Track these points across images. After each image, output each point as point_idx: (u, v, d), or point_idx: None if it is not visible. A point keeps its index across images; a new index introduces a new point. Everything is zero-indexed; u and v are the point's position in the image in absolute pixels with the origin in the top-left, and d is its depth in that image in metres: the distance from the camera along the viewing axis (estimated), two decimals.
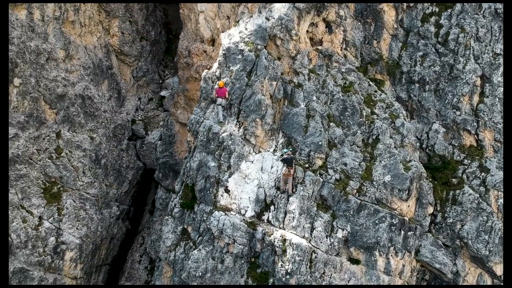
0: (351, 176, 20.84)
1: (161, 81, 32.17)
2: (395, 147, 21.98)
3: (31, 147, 20.64)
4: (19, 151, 20.03)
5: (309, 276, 18.97)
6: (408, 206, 21.71)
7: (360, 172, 20.94)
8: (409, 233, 21.21)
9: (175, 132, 27.17)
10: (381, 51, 24.69)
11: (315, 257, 19.23)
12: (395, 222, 20.72)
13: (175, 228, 21.39)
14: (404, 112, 23.22)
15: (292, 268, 18.81)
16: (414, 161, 22.05)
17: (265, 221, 20.39)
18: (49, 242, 20.31)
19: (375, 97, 23.36)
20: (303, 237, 19.50)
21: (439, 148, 23.30)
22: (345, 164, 20.95)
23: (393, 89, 24.53)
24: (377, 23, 24.65)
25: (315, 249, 19.44)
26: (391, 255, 20.78)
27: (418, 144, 23.11)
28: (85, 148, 23.27)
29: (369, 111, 22.67)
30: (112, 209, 25.87)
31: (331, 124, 21.68)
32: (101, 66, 26.57)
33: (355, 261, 20.35)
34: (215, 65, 23.09)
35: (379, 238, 20.37)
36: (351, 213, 20.34)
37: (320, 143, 20.80)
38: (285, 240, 19.25)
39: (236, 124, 21.68)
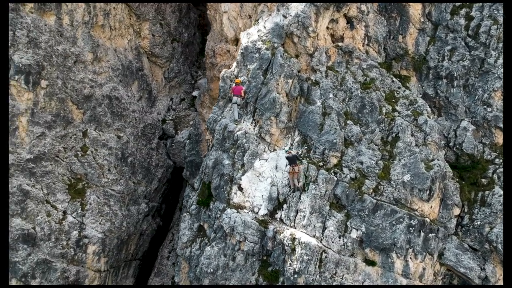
0: (367, 175, 20.24)
1: (193, 82, 32.83)
2: (416, 145, 21.11)
3: (58, 145, 21.77)
4: (46, 149, 21.20)
5: (318, 276, 18.61)
6: (431, 207, 20.76)
7: (377, 171, 20.29)
8: (430, 235, 20.28)
9: (201, 131, 27.60)
10: (407, 46, 23.83)
11: (325, 257, 18.83)
12: (413, 223, 19.88)
13: (191, 225, 21.73)
14: (428, 109, 22.23)
15: (300, 267, 18.54)
16: (438, 160, 21.07)
17: (278, 219, 20.25)
18: (72, 236, 21.35)
19: (398, 93, 22.55)
20: (314, 236, 19.17)
21: (468, 147, 22.10)
22: (361, 163, 20.38)
23: (419, 85, 23.57)
24: (402, 18, 23.81)
25: (326, 248, 19.04)
26: (410, 258, 19.95)
27: (443, 142, 22.04)
28: (111, 146, 24.21)
29: (390, 108, 21.92)
30: (140, 206, 26.70)
31: (348, 122, 21.16)
32: (131, 68, 27.51)
33: (370, 263, 19.73)
34: (234, 64, 23.25)
35: (396, 240, 19.63)
36: (366, 213, 19.74)
37: (335, 141, 20.37)
38: (294, 238, 19.02)
39: (251, 123, 21.71)
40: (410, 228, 19.83)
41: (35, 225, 20.30)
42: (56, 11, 22.67)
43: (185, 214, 22.22)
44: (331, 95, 21.36)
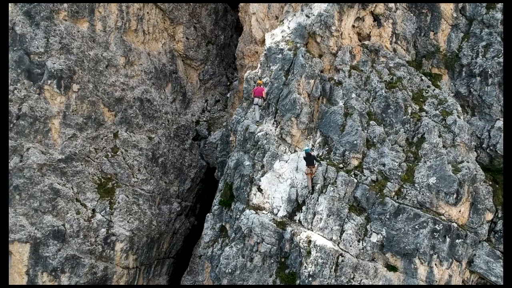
0: (389, 177, 19.57)
1: (228, 83, 33.18)
2: (444, 146, 20.16)
3: (88, 146, 22.76)
4: (76, 149, 22.24)
5: (333, 280, 18.22)
6: (459, 211, 19.78)
7: (399, 173, 19.57)
8: (457, 241, 19.30)
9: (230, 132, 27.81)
10: (438, 43, 22.81)
11: (342, 261, 18.39)
12: (438, 228, 18.99)
13: (214, 225, 21.97)
14: (459, 109, 21.16)
15: (315, 270, 18.23)
16: (468, 162, 20.02)
17: (297, 221, 20.03)
18: (100, 233, 22.24)
19: (427, 92, 21.65)
20: (331, 239, 18.78)
21: (503, 148, 20.82)
22: (384, 165, 19.73)
23: (451, 84, 22.50)
24: (433, 13, 22.84)
25: (343, 252, 18.60)
26: (435, 264, 19.09)
27: (474, 143, 20.91)
28: (141, 147, 24.98)
29: (417, 108, 21.08)
30: (172, 205, 27.34)
31: (371, 122, 20.57)
32: (164, 71, 28.24)
33: (391, 268, 19.07)
34: (258, 65, 23.27)
35: (418, 245, 18.84)
36: (387, 216, 19.09)
37: (356, 142, 19.86)
38: (310, 241, 18.74)
39: (273, 124, 21.63)
40: (435, 233, 18.97)
41: (65, 222, 21.36)
42: (89, 17, 23.71)
43: (208, 214, 22.50)
44: (353, 95, 20.85)
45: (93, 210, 22.40)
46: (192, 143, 29.44)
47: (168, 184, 27.23)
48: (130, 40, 26.11)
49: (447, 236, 19.14)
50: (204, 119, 30.83)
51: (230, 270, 20.15)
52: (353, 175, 19.66)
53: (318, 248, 18.37)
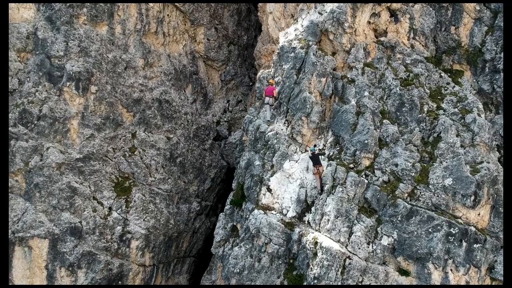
0: (401, 178, 18.86)
1: (251, 84, 33.10)
2: (462, 146, 19.22)
3: (106, 146, 23.31)
4: (94, 149, 22.83)
5: (340, 283, 17.72)
6: (479, 214, 18.80)
7: (413, 174, 18.81)
8: (475, 245, 18.35)
9: None
10: (460, 38, 21.80)
11: (349, 264, 17.87)
12: (454, 232, 18.12)
13: (225, 225, 21.95)
14: (480, 106, 20.12)
15: (320, 272, 17.81)
16: (488, 162, 19.00)
17: (306, 222, 19.68)
18: (116, 231, 22.70)
19: (446, 90, 20.72)
20: (338, 241, 18.29)
21: None
22: (396, 165, 19.04)
23: (474, 81, 21.43)
24: (455, 7, 21.86)
25: (351, 255, 18.06)
26: (450, 269, 18.22)
27: (496, 143, 19.80)
28: (159, 147, 25.32)
29: (435, 106, 20.21)
30: (192, 205, 27.56)
31: (385, 121, 19.90)
32: (185, 72, 28.51)
33: (404, 272, 18.35)
34: (272, 64, 23.08)
35: (432, 249, 18.05)
36: (399, 219, 18.40)
37: (367, 141, 19.26)
38: (316, 242, 18.34)
39: (284, 123, 21.37)
40: (449, 237, 18.11)
41: (82, 219, 21.97)
42: (108, 21, 24.29)
43: (221, 214, 22.52)
44: (366, 93, 20.25)
45: (110, 208, 22.92)
46: (212, 143, 29.56)
47: (187, 183, 27.45)
48: (149, 42, 26.53)
49: (463, 241, 18.23)
50: (225, 119, 30.89)
51: (238, 270, 20.06)
52: (364, 176, 19.08)
53: (324, 249, 17.95)
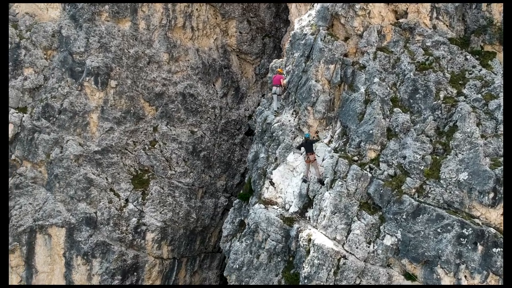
0: (409, 172, 16.98)
1: None
2: (483, 136, 16.88)
3: (126, 139, 23.77)
4: (113, 142, 23.37)
5: (332, 284, 16.32)
6: (501, 214, 16.36)
7: (422, 168, 16.86)
8: (494, 250, 15.97)
9: None
10: (492, 15, 19.31)
11: (344, 264, 16.40)
12: (466, 233, 15.92)
13: (233, 219, 21.34)
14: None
15: (310, 272, 16.53)
16: None
17: (307, 218, 18.48)
18: (131, 222, 23.03)
19: (471, 74, 18.39)
20: (334, 239, 16.87)
21: None
22: (404, 157, 17.19)
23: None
24: None
25: (347, 254, 16.58)
26: (465, 276, 16.05)
27: None
28: (181, 140, 25.35)
29: (454, 91, 18.00)
30: (219, 200, 27.32)
31: (395, 109, 18.10)
32: (214, 66, 28.34)
33: (409, 277, 16.51)
34: (284, 53, 22.10)
35: (440, 251, 16.01)
36: (404, 217, 16.55)
37: (372, 131, 17.62)
38: (310, 239, 17.09)
39: (292, 114, 20.32)
40: (461, 239, 15.95)
41: (97, 210, 22.59)
42: (131, 17, 24.80)
43: (231, 208, 21.96)
44: (376, 79, 18.55)
45: (126, 200, 23.35)
46: (244, 138, 29.08)
47: (214, 178, 27.24)
48: (176, 36, 26.67)
49: (478, 243, 15.95)
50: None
51: (237, 266, 19.36)
52: (368, 169, 17.47)
53: (316, 247, 16.66)
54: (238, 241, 19.84)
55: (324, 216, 17.27)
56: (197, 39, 27.94)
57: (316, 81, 19.40)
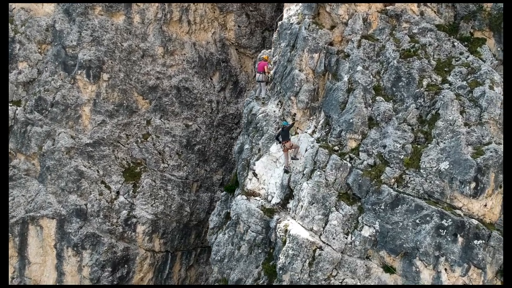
0: (389, 162, 16.50)
1: None
2: (466, 124, 16.27)
3: (118, 132, 23.87)
4: (105, 135, 23.50)
5: (306, 275, 15.96)
6: (485, 205, 15.76)
7: (401, 157, 16.36)
8: (475, 242, 15.39)
9: None
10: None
11: (319, 255, 16.03)
12: (446, 224, 15.39)
13: (220, 212, 21.17)
14: (495, 78, 16.87)
15: (285, 262, 16.21)
16: (499, 143, 15.84)
17: (289, 209, 18.17)
18: (121, 215, 23.08)
19: (457, 61, 17.75)
20: (311, 229, 16.51)
21: None
22: (384, 147, 16.71)
23: (498, 49, 18.06)
24: None
25: (323, 245, 16.20)
26: (445, 269, 15.49)
27: None
28: (174, 134, 25.32)
29: (439, 79, 17.40)
30: (215, 194, 27.18)
31: (378, 98, 17.62)
32: (211, 60, 28.20)
33: (388, 269, 16.03)
34: (272, 44, 21.84)
35: (419, 243, 15.52)
36: (382, 207, 16.10)
37: (352, 120, 17.19)
38: (286, 230, 16.77)
39: (277, 104, 20.04)
40: (440, 230, 15.42)
41: (87, 202, 22.76)
42: (125, 11, 24.89)
43: (218, 201, 21.81)
44: (359, 68, 18.10)
45: (117, 193, 23.46)
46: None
47: (210, 172, 27.14)
48: (172, 30, 26.64)
49: (458, 235, 15.38)
50: None
51: (219, 258, 19.21)
52: (348, 159, 17.05)
53: (291, 238, 16.35)
54: (221, 233, 19.68)
55: (302, 206, 16.93)
56: (194, 33, 27.86)
57: (299, 70, 19.07)
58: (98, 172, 23.29)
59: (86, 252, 22.58)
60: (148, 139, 24.72)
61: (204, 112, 27.20)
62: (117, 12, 24.79)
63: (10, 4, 24.68)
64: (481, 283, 15.53)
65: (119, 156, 24.00)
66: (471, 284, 15.45)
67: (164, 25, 26.27)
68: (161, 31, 26.08)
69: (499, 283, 15.72)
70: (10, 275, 22.95)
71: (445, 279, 15.46)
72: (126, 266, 23.33)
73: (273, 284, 17.11)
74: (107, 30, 24.24)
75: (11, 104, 23.48)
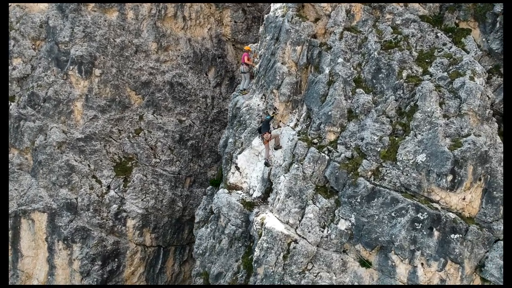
0: (366, 154, 16.25)
1: None
2: (445, 116, 15.90)
3: (110, 127, 24.07)
4: (96, 130, 23.72)
5: (280, 269, 15.82)
6: (463, 199, 15.40)
7: (378, 149, 16.09)
8: (452, 236, 15.05)
9: None
10: None
11: (294, 248, 15.87)
12: (421, 218, 15.08)
13: (206, 206, 21.17)
14: (478, 69, 16.43)
15: (259, 255, 16.10)
16: (479, 135, 15.45)
17: (269, 203, 18.04)
18: (112, 209, 23.26)
19: (440, 51, 17.37)
20: (287, 222, 16.36)
21: None
22: (362, 139, 16.46)
23: (483, 40, 17.62)
24: None
25: (298, 238, 16.04)
26: (420, 263, 15.18)
27: (490, 111, 16.03)
28: (167, 129, 25.43)
29: (420, 70, 17.05)
30: (207, 189, 27.19)
31: (358, 90, 17.36)
32: (207, 55, 28.24)
33: (364, 263, 15.79)
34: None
35: (394, 237, 15.24)
36: (358, 200, 15.86)
37: (330, 113, 16.98)
38: (263, 223, 16.66)
39: (261, 98, 19.94)
40: (416, 224, 15.12)
41: (78, 196, 23.01)
42: (119, 7, 25.07)
43: (204, 196, 21.82)
44: (339, 60, 17.87)
45: (108, 187, 23.66)
46: None
47: (204, 167, 27.18)
48: (167, 26, 26.72)
49: (434, 229, 15.05)
50: None
51: (201, 251, 19.23)
52: (326, 151, 16.85)
53: (266, 231, 16.23)
54: (204, 226, 19.69)
55: (279, 199, 16.80)
56: (190, 28, 27.93)
57: (282, 63, 18.94)
58: (89, 166, 23.55)
59: (76, 246, 22.85)
60: (140, 134, 24.89)
61: (199, 108, 27.25)
62: (110, 8, 25.00)
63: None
64: (458, 279, 15.17)
65: (111, 151, 24.22)
66: (449, 279, 15.09)
67: (158, 21, 26.39)
68: (155, 27, 26.21)
69: (478, 279, 15.33)
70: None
71: (421, 274, 15.14)
72: (116, 260, 23.52)
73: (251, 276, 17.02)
74: (100, 26, 24.47)
75: None
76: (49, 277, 23.16)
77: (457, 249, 14.98)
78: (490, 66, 17.25)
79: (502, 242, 15.12)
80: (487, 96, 16.24)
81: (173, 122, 25.93)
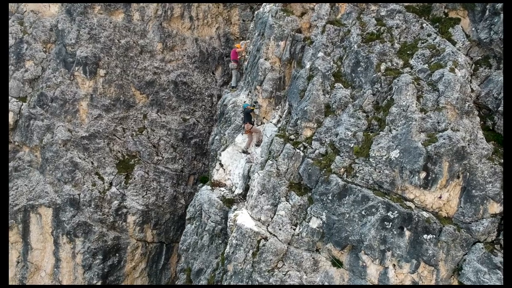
0: (340, 150, 15.73)
1: None
2: (423, 110, 15.10)
3: (114, 126, 24.73)
4: (100, 128, 24.44)
5: (249, 266, 15.59)
6: (439, 197, 14.56)
7: (351, 145, 15.53)
8: (425, 236, 14.27)
9: None
10: None
11: (263, 245, 15.60)
12: (391, 217, 14.40)
13: (195, 202, 21.25)
14: (460, 60, 15.50)
15: (229, 252, 15.94)
16: (457, 130, 14.57)
17: (246, 199, 17.86)
18: (113, 205, 23.84)
19: (423, 43, 16.52)
20: (259, 219, 16.12)
21: None
22: (337, 135, 15.95)
23: (473, 29, 16.59)
24: None
25: (268, 236, 15.76)
26: (392, 264, 14.52)
27: (471, 104, 15.03)
28: (170, 127, 25.79)
29: (401, 63, 16.30)
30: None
31: (337, 84, 16.85)
32: (214, 55, 28.40)
33: (335, 263, 15.30)
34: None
35: (363, 236, 14.65)
36: (330, 198, 15.38)
37: (306, 108, 16.59)
38: (236, 220, 16.50)
39: (247, 95, 19.81)
40: (385, 223, 14.46)
41: (81, 192, 23.78)
42: (124, 9, 25.77)
43: (196, 192, 21.91)
44: (320, 54, 17.42)
45: (110, 184, 24.30)
46: None
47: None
48: (173, 26, 27.14)
49: (405, 228, 14.33)
50: None
51: (185, 247, 19.32)
52: (301, 148, 16.47)
53: (236, 227, 16.07)
54: (190, 223, 19.79)
55: (252, 196, 16.59)
56: (197, 28, 28.20)
57: (265, 59, 18.72)
58: (92, 163, 24.30)
59: (79, 240, 23.63)
60: (143, 133, 25.40)
61: (203, 106, 27.42)
62: (116, 10, 25.70)
63: (22, 7, 26.49)
64: (433, 282, 14.35)
65: (115, 149, 24.86)
66: (422, 282, 14.32)
67: (164, 22, 26.83)
68: (161, 28, 26.65)
69: (456, 282, 14.42)
70: (15, 259, 24.57)
71: (392, 276, 14.46)
72: (117, 254, 24.10)
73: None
74: (105, 28, 25.20)
75: (17, 100, 25.14)
76: (55, 269, 24.10)
77: (430, 250, 14.18)
78: (479, 57, 16.21)
79: (479, 244, 14.16)
80: (471, 88, 15.29)
81: (176, 121, 26.25)
